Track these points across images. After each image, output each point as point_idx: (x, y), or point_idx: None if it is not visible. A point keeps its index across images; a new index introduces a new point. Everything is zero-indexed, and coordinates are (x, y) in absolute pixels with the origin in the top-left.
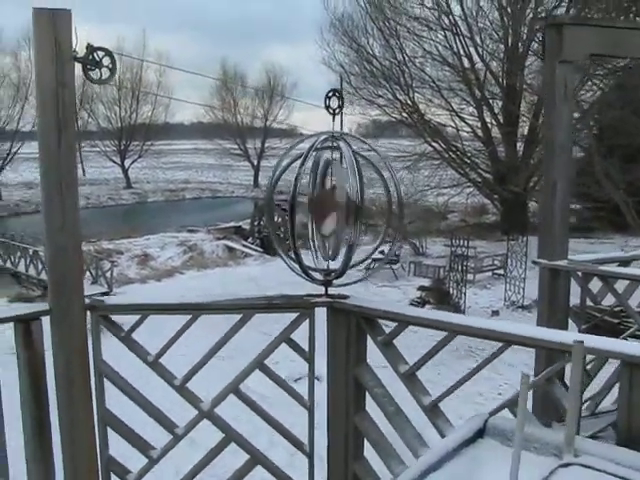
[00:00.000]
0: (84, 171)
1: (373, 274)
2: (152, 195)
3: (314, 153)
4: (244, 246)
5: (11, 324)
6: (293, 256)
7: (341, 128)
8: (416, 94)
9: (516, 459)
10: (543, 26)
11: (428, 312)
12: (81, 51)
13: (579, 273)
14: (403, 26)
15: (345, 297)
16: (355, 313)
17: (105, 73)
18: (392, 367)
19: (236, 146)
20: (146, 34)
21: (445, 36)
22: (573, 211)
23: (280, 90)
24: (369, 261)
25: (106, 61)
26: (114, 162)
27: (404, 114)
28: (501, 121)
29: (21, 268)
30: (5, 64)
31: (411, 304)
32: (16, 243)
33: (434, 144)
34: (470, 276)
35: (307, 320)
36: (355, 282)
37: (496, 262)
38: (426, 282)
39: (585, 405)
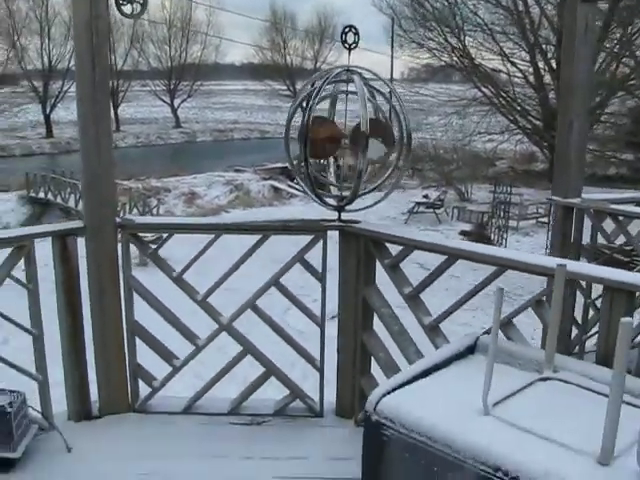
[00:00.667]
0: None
1: (416, 218)
2: (200, 135)
3: (332, 87)
4: (289, 186)
5: (49, 239)
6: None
7: (348, 61)
8: (467, 38)
9: (490, 367)
10: None
11: (431, 236)
12: None
13: (592, 211)
14: None
15: (356, 222)
16: (364, 237)
17: (137, 8)
18: (397, 289)
19: (285, 87)
20: None
21: None
22: (624, 161)
23: (331, 32)
24: (379, 184)
25: None
26: (164, 101)
27: (455, 58)
28: (554, 67)
29: (71, 203)
30: (57, 2)
31: None
32: (66, 179)
33: (484, 89)
34: (514, 223)
35: (321, 242)
36: (365, 208)
37: (540, 210)
38: (468, 227)
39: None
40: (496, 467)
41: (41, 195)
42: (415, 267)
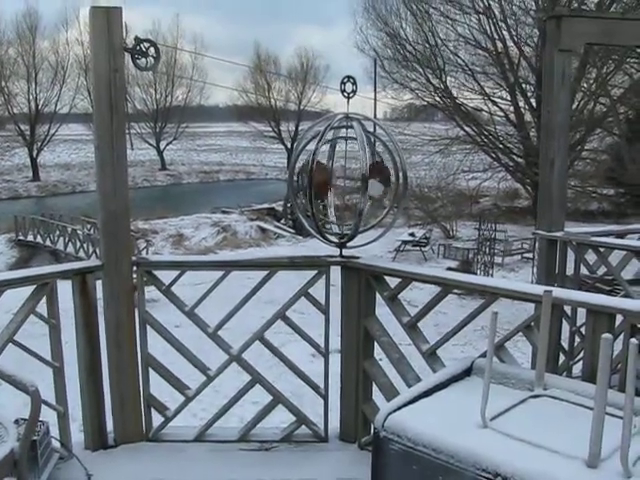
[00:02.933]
0: (132, 146)
1: (403, 256)
2: (187, 177)
3: (331, 132)
4: (276, 227)
5: (70, 277)
6: (314, 226)
7: (347, 108)
8: (449, 78)
9: (487, 383)
10: (545, 18)
11: (427, 269)
12: (129, 42)
13: (574, 243)
14: (436, 9)
15: (357, 257)
16: (365, 271)
17: (150, 61)
18: (396, 318)
19: (270, 129)
20: (180, 16)
21: (479, 19)
22: (605, 196)
23: (313, 73)
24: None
25: (151, 51)
26: (149, 144)
27: (437, 98)
28: (534, 105)
29: (60, 246)
30: (44, 48)
31: None
32: (55, 222)
33: (466, 128)
34: (499, 259)
35: (324, 277)
36: (365, 244)
37: (525, 245)
38: (454, 264)
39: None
40: (495, 473)
41: (30, 238)
42: (404, 304)
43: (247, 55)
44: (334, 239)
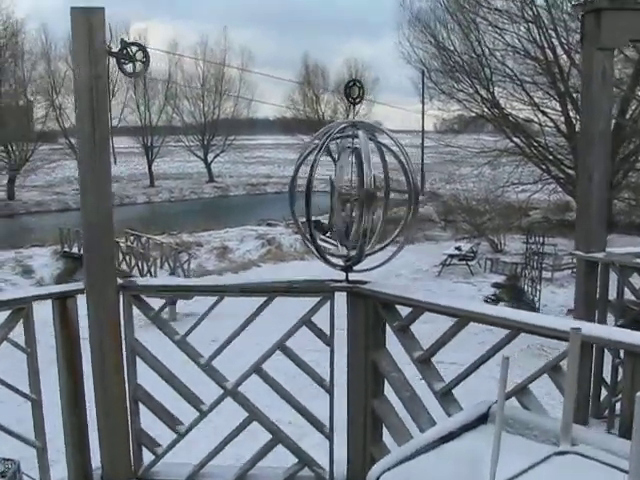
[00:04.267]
0: (115, 160)
1: (449, 270)
2: (234, 189)
3: (339, 142)
4: (322, 240)
5: (49, 301)
6: (319, 242)
7: (354, 116)
8: (497, 88)
9: (497, 443)
10: (582, 12)
11: (442, 298)
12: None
13: (617, 265)
14: (483, 18)
15: (364, 283)
16: (373, 298)
17: (139, 66)
18: (407, 352)
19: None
20: (227, 29)
21: (528, 28)
22: None
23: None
24: (385, 246)
25: (139, 55)
26: (197, 156)
27: (485, 109)
28: None
29: None
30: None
31: (485, 301)
32: None
33: (515, 139)
34: (548, 274)
35: (328, 304)
36: (373, 268)
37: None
38: (501, 279)
39: None
40: None
41: (75, 250)
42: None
43: (295, 67)
44: (339, 261)
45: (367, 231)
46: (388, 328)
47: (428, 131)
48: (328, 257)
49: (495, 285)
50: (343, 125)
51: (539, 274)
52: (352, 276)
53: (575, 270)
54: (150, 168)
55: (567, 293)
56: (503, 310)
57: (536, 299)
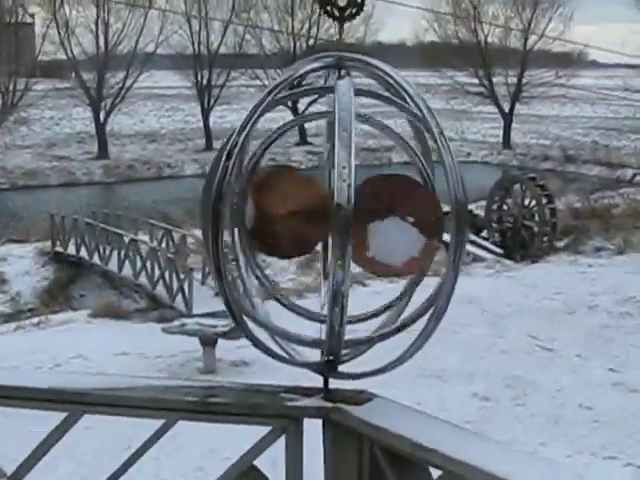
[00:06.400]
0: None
1: None
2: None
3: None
4: (473, 243)
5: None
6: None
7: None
8: None
9: None
10: None
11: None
12: None
13: None
14: None
15: (358, 402)
16: (370, 439)
17: None
18: None
19: (477, 80)
20: None
21: None
22: None
23: None
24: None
25: None
26: (285, 105)
27: None
28: None
29: (112, 265)
30: None
31: None
32: (107, 227)
33: None
34: None
35: (283, 440)
36: (377, 372)
37: None
38: None
39: None
40: None
41: (72, 250)
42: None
43: None
44: (308, 353)
45: (342, 297)
46: None
47: None
48: (280, 341)
49: None
50: (314, 63)
51: None
52: (338, 383)
53: None
54: (206, 120)
55: None
56: None
57: None
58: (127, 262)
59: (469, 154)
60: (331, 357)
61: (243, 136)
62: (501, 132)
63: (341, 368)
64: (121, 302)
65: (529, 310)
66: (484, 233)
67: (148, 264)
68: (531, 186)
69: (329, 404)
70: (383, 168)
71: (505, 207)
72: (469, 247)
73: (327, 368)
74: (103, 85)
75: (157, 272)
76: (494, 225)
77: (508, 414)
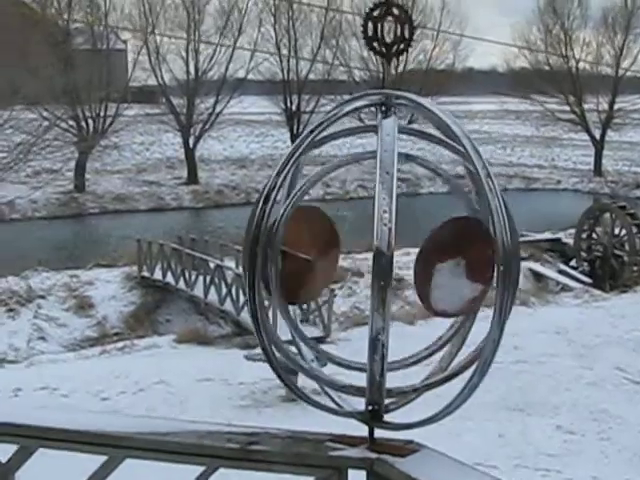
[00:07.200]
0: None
1: None
2: (428, 183)
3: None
4: (561, 272)
5: None
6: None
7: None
8: None
9: None
10: None
11: None
12: None
13: None
14: None
15: (404, 451)
16: None
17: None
18: None
19: (567, 107)
20: None
21: None
22: None
23: None
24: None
25: None
26: (370, 129)
27: None
28: None
29: (198, 291)
30: None
31: None
32: (193, 253)
33: None
34: None
35: None
36: (427, 422)
37: None
38: None
39: None
40: None
41: (158, 275)
42: None
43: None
44: (350, 401)
45: (384, 346)
46: None
47: None
48: (326, 388)
49: None
50: (359, 102)
51: None
52: (382, 433)
53: None
54: None
55: None
56: None
57: None
58: (212, 288)
59: (559, 181)
60: (376, 406)
61: (281, 178)
62: (592, 159)
63: (388, 416)
64: (206, 328)
65: (618, 341)
66: (573, 262)
67: (233, 290)
68: (621, 215)
69: (374, 455)
70: (417, 198)
71: (595, 236)
72: (558, 276)
73: (371, 417)
74: (193, 111)
75: (242, 298)
76: (583, 254)
77: (593, 448)
